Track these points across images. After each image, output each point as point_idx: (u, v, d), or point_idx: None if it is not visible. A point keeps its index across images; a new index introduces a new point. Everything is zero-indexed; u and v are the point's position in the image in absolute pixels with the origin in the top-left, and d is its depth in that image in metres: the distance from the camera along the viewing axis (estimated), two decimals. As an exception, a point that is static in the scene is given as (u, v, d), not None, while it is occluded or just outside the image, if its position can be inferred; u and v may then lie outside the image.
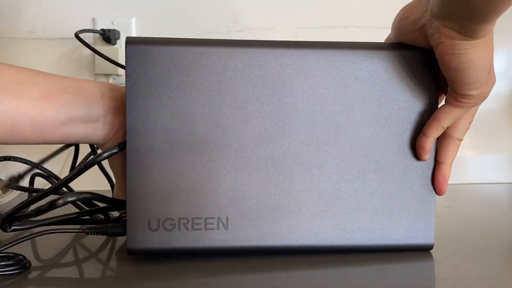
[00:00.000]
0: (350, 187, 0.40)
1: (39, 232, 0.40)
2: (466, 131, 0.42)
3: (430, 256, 0.42)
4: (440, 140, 0.41)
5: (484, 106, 0.92)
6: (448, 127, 0.41)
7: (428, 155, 0.41)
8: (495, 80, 0.39)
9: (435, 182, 0.42)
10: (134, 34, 0.82)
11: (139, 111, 0.38)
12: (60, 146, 0.47)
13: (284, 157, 0.40)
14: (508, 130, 0.87)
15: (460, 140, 0.42)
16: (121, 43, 0.80)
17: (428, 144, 0.40)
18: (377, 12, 0.81)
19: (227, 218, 0.39)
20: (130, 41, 0.38)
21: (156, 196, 0.39)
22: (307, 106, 0.39)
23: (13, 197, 0.69)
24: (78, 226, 0.44)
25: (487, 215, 0.61)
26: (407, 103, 0.41)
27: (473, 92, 0.38)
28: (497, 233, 0.52)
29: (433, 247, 0.42)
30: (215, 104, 0.39)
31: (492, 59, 0.37)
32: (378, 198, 0.41)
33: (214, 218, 0.39)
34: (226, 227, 0.39)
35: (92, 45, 0.75)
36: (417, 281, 0.37)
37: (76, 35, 0.65)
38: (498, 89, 0.86)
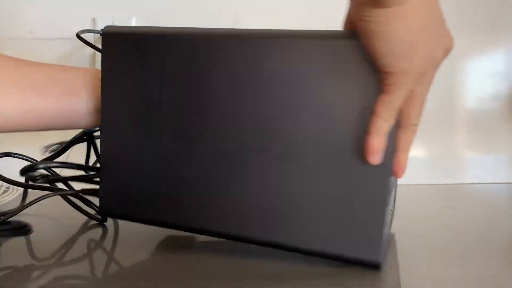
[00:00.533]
0: (291, 186, 0.38)
1: (45, 195, 0.48)
2: (419, 115, 0.37)
3: (430, 256, 0.42)
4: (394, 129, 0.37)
5: (484, 106, 0.92)
6: (399, 116, 0.37)
7: (377, 157, 0.36)
8: (430, 56, 0.35)
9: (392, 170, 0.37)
10: (134, 34, 0.82)
11: (110, 93, 0.42)
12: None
13: (231, 150, 0.40)
14: (508, 130, 0.87)
15: (415, 125, 0.37)
16: (121, 43, 0.80)
17: (373, 142, 0.36)
18: (377, 12, 0.81)
19: (176, 195, 0.41)
20: (106, 30, 0.42)
21: (123, 170, 0.42)
22: (253, 100, 0.39)
23: (14, 196, 0.69)
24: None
25: (487, 215, 0.61)
26: (363, 102, 0.37)
27: (391, 69, 0.34)
28: (497, 233, 0.52)
29: (380, 267, 0.37)
30: (177, 89, 0.40)
31: (414, 34, 0.33)
32: (322, 202, 0.38)
33: (168, 195, 0.41)
34: (175, 204, 0.41)
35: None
36: (415, 281, 0.37)
37: (78, 35, 0.66)
38: (498, 89, 0.86)
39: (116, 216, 0.47)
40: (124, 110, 0.42)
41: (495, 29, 0.85)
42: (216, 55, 0.39)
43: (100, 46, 0.61)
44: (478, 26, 0.85)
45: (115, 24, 0.80)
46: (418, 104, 0.37)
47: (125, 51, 0.42)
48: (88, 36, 0.79)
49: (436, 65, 0.36)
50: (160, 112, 0.41)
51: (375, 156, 0.36)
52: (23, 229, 0.48)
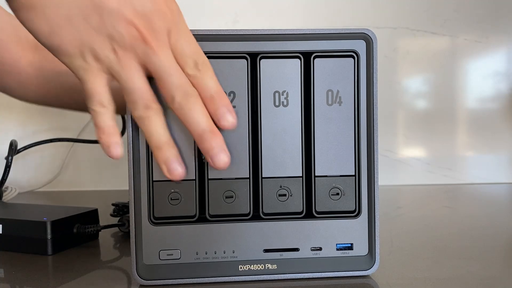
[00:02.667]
0: None
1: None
2: (171, 94, 0.32)
3: (430, 256, 0.42)
4: None
5: (484, 106, 0.92)
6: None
7: (114, 152, 0.32)
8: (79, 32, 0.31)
9: None
10: (134, 33, 0.82)
11: None
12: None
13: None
14: (508, 130, 0.87)
15: (177, 104, 0.32)
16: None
17: (99, 137, 0.32)
18: (377, 12, 0.81)
19: None
20: None
21: None
22: None
23: (14, 195, 0.69)
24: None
25: (487, 215, 0.61)
26: None
27: (57, 55, 0.32)
28: (497, 233, 0.52)
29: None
30: None
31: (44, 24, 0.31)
32: None
33: None
34: None
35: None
36: (415, 281, 0.38)
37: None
38: (498, 89, 0.87)
39: None
40: None
41: (495, 29, 0.85)
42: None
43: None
44: (478, 26, 0.85)
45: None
46: (161, 84, 0.32)
47: None
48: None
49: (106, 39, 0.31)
50: None
51: (110, 151, 0.32)
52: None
